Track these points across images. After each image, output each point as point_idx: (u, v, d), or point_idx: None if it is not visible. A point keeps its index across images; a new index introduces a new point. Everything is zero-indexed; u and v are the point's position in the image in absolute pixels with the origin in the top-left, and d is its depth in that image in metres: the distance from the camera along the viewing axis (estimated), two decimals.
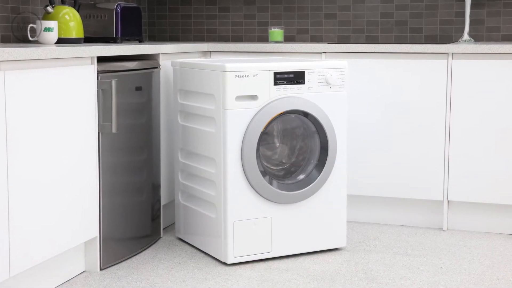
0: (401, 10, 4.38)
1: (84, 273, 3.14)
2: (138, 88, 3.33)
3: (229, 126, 3.17)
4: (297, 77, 3.28)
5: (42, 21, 3.22)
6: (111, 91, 3.08)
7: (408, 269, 3.21)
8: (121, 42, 3.80)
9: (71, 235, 2.93)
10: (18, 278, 2.72)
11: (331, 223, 3.43)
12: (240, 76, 3.17)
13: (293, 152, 3.45)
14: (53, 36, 3.25)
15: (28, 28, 3.28)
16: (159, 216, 3.60)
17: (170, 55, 3.73)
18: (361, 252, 3.45)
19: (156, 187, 3.55)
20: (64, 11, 3.42)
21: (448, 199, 3.81)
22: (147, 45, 3.45)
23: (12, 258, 2.59)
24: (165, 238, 3.66)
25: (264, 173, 3.25)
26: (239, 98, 3.19)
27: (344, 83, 3.39)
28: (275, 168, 3.42)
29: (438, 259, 3.35)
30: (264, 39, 4.67)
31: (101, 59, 3.24)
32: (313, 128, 3.36)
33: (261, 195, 3.26)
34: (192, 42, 4.34)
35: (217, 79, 3.19)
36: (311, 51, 3.91)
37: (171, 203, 3.92)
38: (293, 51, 3.95)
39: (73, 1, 3.92)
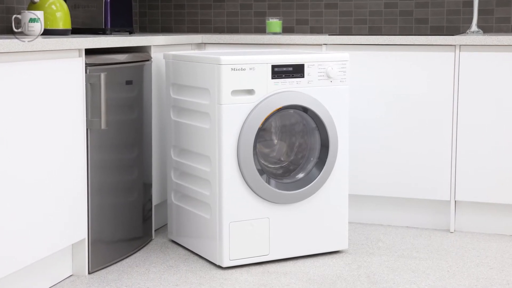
0: (406, 0, 4.38)
1: (71, 277, 3.14)
2: (129, 82, 3.33)
3: (225, 122, 3.17)
4: (296, 70, 3.28)
5: (27, 12, 3.22)
6: (100, 85, 3.07)
7: (413, 272, 3.21)
8: (111, 34, 3.80)
9: (57, 237, 2.93)
10: (1, 282, 2.72)
11: (332, 224, 3.43)
12: (236, 69, 3.17)
13: (292, 149, 3.46)
14: (39, 27, 3.25)
15: (13, 18, 3.28)
16: (150, 217, 3.60)
17: (162, 47, 3.73)
18: (364, 254, 3.46)
19: (147, 187, 3.55)
20: (51, 0, 3.42)
21: (456, 199, 3.82)
22: (138, 37, 3.45)
23: None
24: (157, 240, 3.66)
25: (261, 171, 3.25)
26: (235, 92, 3.19)
27: (346, 76, 3.39)
28: (273, 166, 3.43)
29: (444, 262, 3.36)
30: (261, 30, 4.67)
31: (89, 52, 3.24)
32: (313, 124, 3.36)
33: (258, 195, 3.26)
34: (185, 34, 4.34)
35: (212, 72, 3.19)
36: (311, 43, 3.91)
37: (163, 203, 3.92)
38: (292, 43, 3.95)
39: None
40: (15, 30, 3.28)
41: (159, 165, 3.72)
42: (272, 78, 3.24)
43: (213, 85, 3.19)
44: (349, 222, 4.01)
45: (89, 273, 3.17)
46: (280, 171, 3.41)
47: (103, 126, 3.08)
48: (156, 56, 3.65)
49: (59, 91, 2.90)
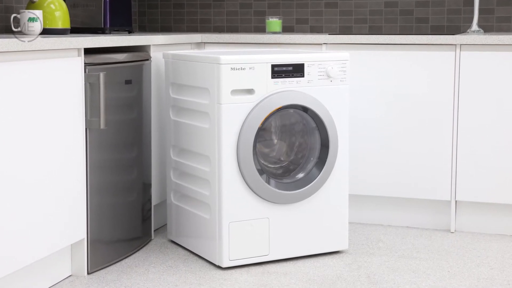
0: None
1: (70, 277, 3.14)
2: (128, 82, 3.33)
3: (224, 121, 3.17)
4: (296, 70, 3.29)
5: (27, 11, 3.22)
6: (99, 85, 3.08)
7: (414, 273, 3.22)
8: (110, 33, 3.80)
9: (56, 237, 2.93)
10: (1, 282, 2.72)
11: (332, 224, 3.44)
12: (236, 69, 3.17)
13: (292, 149, 3.46)
14: (38, 26, 3.25)
15: (12, 18, 3.28)
16: (150, 217, 3.61)
17: (161, 47, 3.73)
18: (364, 255, 3.46)
19: (147, 187, 3.55)
20: (50, 0, 3.42)
21: (456, 199, 3.82)
22: (137, 36, 3.45)
23: None
24: (156, 240, 3.66)
25: (261, 171, 3.26)
26: (234, 92, 3.19)
27: (346, 76, 3.40)
28: (272, 166, 3.43)
29: (445, 262, 3.36)
30: (261, 29, 4.67)
31: (88, 51, 3.24)
32: (313, 124, 3.36)
33: (258, 195, 3.26)
34: (185, 33, 4.34)
35: (212, 72, 3.19)
36: (311, 42, 3.92)
37: (163, 203, 3.92)
38: (292, 42, 3.95)
39: None
40: (14, 29, 3.28)
41: (159, 165, 3.72)
42: (272, 77, 3.24)
43: (213, 85, 3.19)
44: (349, 222, 4.01)
45: (88, 273, 3.17)
46: (280, 171, 3.41)
47: (102, 125, 3.09)
48: (156, 55, 3.65)
49: (58, 90, 2.90)
